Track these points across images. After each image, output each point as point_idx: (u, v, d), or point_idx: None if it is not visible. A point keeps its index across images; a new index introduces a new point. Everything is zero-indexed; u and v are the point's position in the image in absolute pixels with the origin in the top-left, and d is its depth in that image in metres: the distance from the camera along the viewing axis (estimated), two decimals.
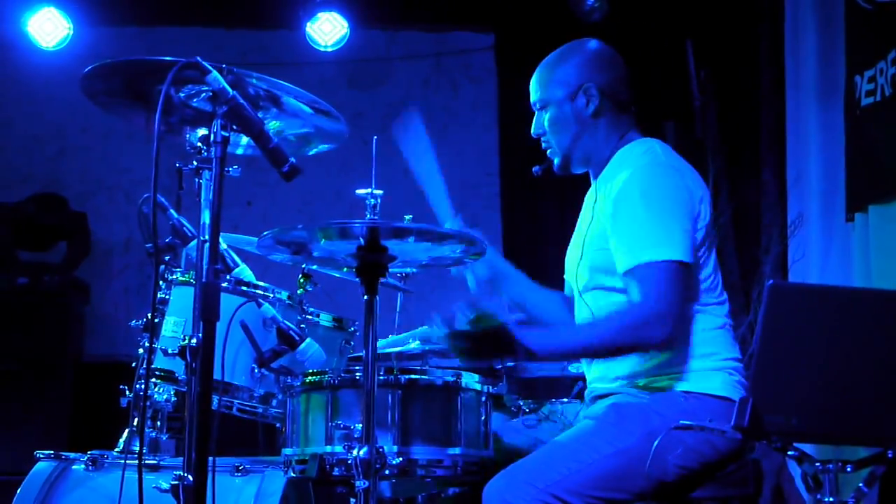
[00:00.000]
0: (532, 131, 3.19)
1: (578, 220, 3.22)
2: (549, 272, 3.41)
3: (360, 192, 2.97)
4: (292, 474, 3.08)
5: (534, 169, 3.25)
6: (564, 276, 3.28)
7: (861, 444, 2.58)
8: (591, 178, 3.18)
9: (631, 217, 2.89)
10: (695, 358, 2.91)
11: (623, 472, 2.78)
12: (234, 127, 2.64)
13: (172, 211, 3.36)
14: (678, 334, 2.85)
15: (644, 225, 2.86)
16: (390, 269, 2.95)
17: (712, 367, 2.92)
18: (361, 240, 2.82)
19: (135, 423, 3.55)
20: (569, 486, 2.74)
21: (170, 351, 3.29)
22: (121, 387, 3.60)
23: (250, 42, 7.18)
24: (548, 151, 3.19)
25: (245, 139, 2.95)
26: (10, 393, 6.33)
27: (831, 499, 2.36)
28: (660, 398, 2.89)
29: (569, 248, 3.24)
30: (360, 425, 2.80)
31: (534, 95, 3.18)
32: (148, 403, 3.54)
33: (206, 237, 2.58)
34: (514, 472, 2.82)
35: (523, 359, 2.96)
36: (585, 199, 3.22)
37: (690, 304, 2.92)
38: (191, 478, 2.49)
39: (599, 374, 3.06)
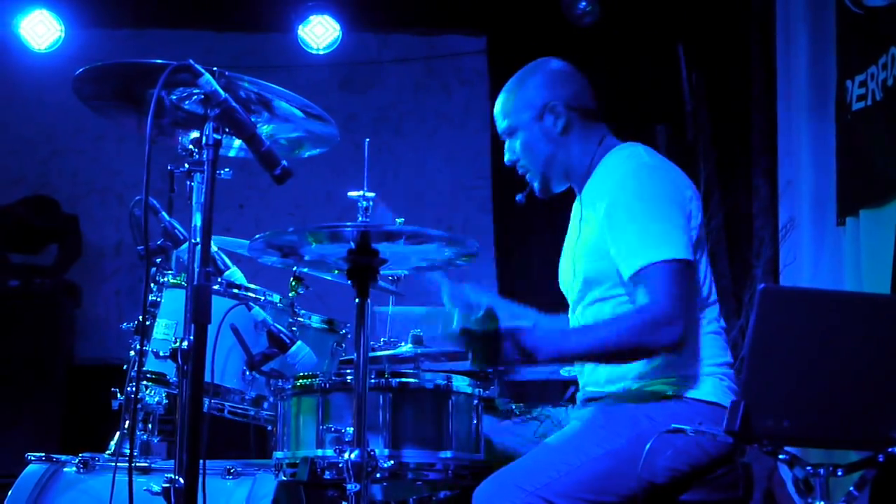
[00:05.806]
0: (505, 160, 3.19)
1: (567, 236, 3.22)
2: (541, 273, 3.40)
3: (353, 194, 2.97)
4: (283, 477, 3.07)
5: (517, 197, 3.23)
6: (560, 286, 3.27)
7: (852, 447, 2.58)
8: (576, 192, 3.18)
9: (628, 222, 2.88)
10: (686, 362, 2.91)
11: (611, 474, 2.78)
12: (226, 130, 2.64)
13: (164, 213, 3.36)
14: (688, 335, 2.83)
15: (642, 228, 2.86)
16: (381, 272, 2.95)
17: (703, 373, 2.92)
18: (352, 243, 2.82)
19: (126, 426, 3.54)
20: (558, 489, 2.75)
21: (161, 353, 3.30)
22: (112, 389, 3.59)
23: (242, 45, 7.17)
24: (526, 176, 3.19)
25: (237, 142, 2.95)
26: (2, 395, 6.32)
27: (822, 503, 2.36)
28: (650, 402, 2.89)
29: (560, 262, 3.23)
30: (352, 428, 2.80)
31: (500, 125, 3.18)
32: (139, 406, 3.54)
33: (198, 240, 2.58)
34: (504, 475, 2.82)
35: (528, 362, 2.89)
36: (572, 214, 3.22)
37: (694, 304, 2.91)
38: (182, 480, 2.48)
39: (592, 378, 3.06)
